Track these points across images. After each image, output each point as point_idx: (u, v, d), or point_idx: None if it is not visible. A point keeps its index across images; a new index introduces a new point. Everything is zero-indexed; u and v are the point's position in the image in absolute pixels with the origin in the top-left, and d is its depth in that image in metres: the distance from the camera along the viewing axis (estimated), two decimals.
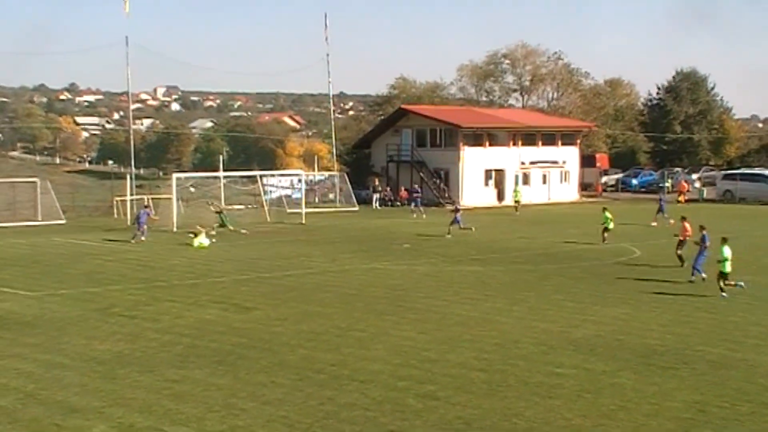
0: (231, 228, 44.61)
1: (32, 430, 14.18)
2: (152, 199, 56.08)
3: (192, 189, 48.17)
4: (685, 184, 70.14)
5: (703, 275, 28.40)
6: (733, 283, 26.21)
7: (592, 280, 29.26)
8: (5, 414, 14.93)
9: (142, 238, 40.72)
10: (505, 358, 18.73)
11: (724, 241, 26.44)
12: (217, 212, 46.80)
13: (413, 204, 57.16)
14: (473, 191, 66.48)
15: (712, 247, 28.05)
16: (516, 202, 58.64)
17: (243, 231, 44.54)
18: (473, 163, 66.97)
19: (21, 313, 23.91)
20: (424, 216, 53.55)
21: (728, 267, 26.10)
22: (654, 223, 48.51)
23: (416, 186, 61.33)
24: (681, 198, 66.74)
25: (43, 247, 39.25)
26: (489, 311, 24.10)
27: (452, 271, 31.95)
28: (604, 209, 41.52)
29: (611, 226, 39.83)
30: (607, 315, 23.55)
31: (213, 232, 42.34)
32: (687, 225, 31.97)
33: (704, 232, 29.16)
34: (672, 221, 44.39)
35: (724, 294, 25.89)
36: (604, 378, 17.25)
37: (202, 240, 39.55)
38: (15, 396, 15.93)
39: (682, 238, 32.01)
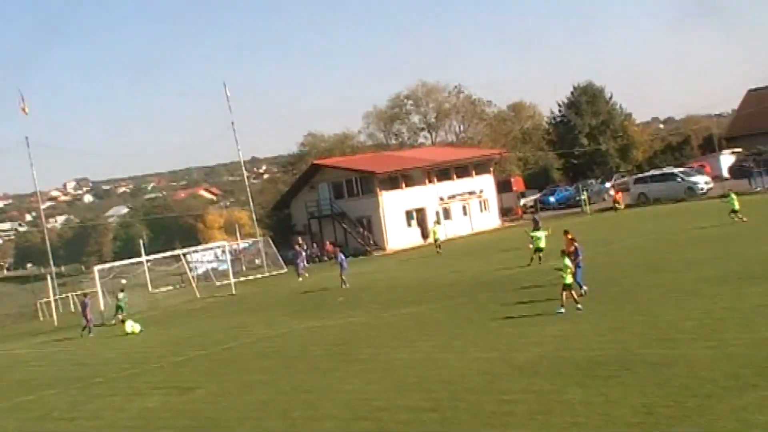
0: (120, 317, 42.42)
1: None
2: (77, 295, 55.11)
3: (123, 281, 47.25)
4: (618, 192, 70.95)
5: (584, 288, 28.88)
6: (574, 298, 26.73)
7: (527, 303, 29.58)
8: None
9: (90, 335, 40.06)
10: (454, 394, 18.77)
11: (563, 253, 27.37)
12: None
13: (298, 266, 54.90)
14: (397, 234, 66.90)
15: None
16: (435, 240, 57.01)
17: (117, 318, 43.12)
18: (393, 206, 67.46)
19: None
20: (306, 275, 52.72)
21: (569, 278, 26.77)
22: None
23: (297, 246, 58.11)
24: (619, 205, 67.49)
25: None
26: (431, 350, 24.15)
27: (389, 317, 31.97)
28: (534, 228, 41.83)
29: (542, 245, 40.27)
30: (547, 334, 23.80)
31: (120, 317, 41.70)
32: (570, 236, 32.11)
33: (576, 243, 29.84)
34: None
35: (561, 310, 26.42)
36: (552, 397, 17.40)
37: (133, 325, 38.96)
38: None
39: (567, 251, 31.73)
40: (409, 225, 68.60)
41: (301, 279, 51.89)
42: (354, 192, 69.17)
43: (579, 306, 26.48)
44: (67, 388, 27.62)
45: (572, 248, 30.19)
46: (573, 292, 26.82)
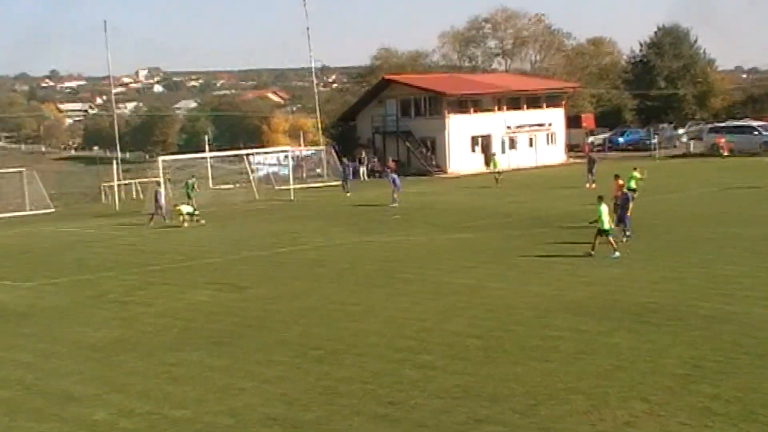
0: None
1: (33, 420, 14.21)
2: (140, 183, 56.03)
3: (194, 181, 47.14)
4: (721, 138, 67.72)
5: (629, 233, 28.66)
6: (614, 246, 26.38)
7: (584, 242, 29.28)
8: (6, 405, 14.96)
9: (166, 221, 40.76)
10: (500, 324, 18.83)
11: (600, 200, 26.85)
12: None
13: (343, 179, 54.40)
14: (460, 158, 66.48)
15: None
16: (497, 172, 54.12)
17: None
18: (459, 130, 66.90)
19: (15, 304, 23.90)
20: (348, 194, 51.37)
21: (606, 224, 26.47)
22: (589, 185, 46.46)
23: (345, 160, 58.63)
24: (722, 151, 64.85)
25: (34, 237, 39.16)
26: (482, 278, 24.18)
27: (444, 240, 32.01)
28: (634, 169, 39.76)
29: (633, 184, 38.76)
30: (601, 275, 23.66)
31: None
32: (620, 182, 31.49)
33: (624, 190, 29.42)
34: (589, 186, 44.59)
35: (592, 252, 26.26)
36: (599, 338, 17.36)
37: (185, 209, 39.85)
38: (15, 387, 15.96)
39: (615, 196, 30.72)
40: (473, 151, 68.06)
41: (349, 194, 51.58)
42: (421, 111, 68.68)
43: (592, 252, 26.28)
44: (124, 272, 28.27)
45: (619, 194, 29.80)
46: (611, 239, 26.47)
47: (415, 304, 21.26)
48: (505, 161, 61.85)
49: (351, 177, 55.69)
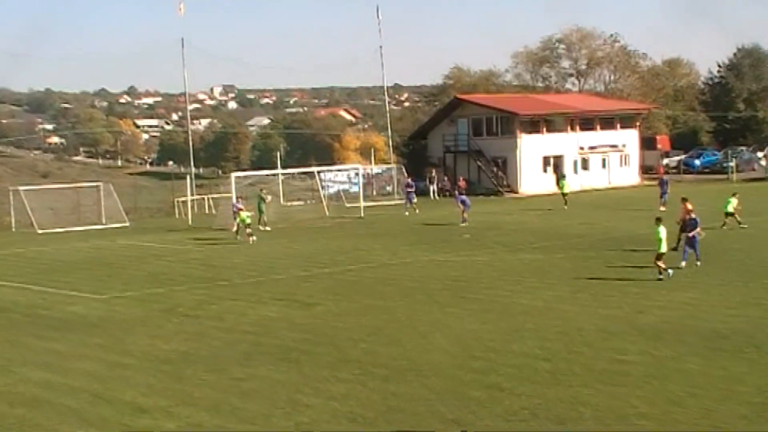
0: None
1: (101, 430, 14.39)
2: (213, 198, 56.76)
3: (267, 196, 47.43)
4: None
5: (698, 263, 27.78)
6: (663, 266, 25.87)
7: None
8: (74, 414, 15.18)
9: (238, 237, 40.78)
10: (569, 347, 18.53)
11: (658, 221, 26.16)
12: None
13: (407, 200, 53.83)
14: (532, 178, 66.04)
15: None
16: (563, 195, 52.36)
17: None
18: (531, 150, 66.50)
19: (88, 315, 24.33)
20: (417, 212, 51.45)
21: (663, 247, 25.87)
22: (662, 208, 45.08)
23: (409, 180, 57.29)
24: None
25: (108, 250, 39.90)
26: (551, 299, 23.87)
27: (513, 260, 31.72)
28: (734, 194, 38.82)
29: (729, 209, 38.02)
30: (674, 300, 23.16)
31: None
32: (688, 206, 30.75)
33: (693, 214, 28.70)
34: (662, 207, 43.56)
35: (661, 276, 25.71)
36: (670, 364, 16.96)
37: (246, 214, 40.25)
38: (84, 396, 16.19)
39: (681, 219, 30.16)
40: (545, 171, 67.55)
41: (407, 213, 51.32)
42: (493, 131, 68.47)
43: (661, 276, 25.71)
44: (194, 286, 28.60)
45: (687, 218, 29.08)
46: (661, 263, 25.87)
47: (482, 324, 21.07)
48: (577, 182, 61.15)
49: (412, 197, 54.12)
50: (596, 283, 25.90)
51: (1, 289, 29.51)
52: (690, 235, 28.25)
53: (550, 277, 27.58)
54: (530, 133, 66.93)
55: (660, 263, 25.92)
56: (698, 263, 27.80)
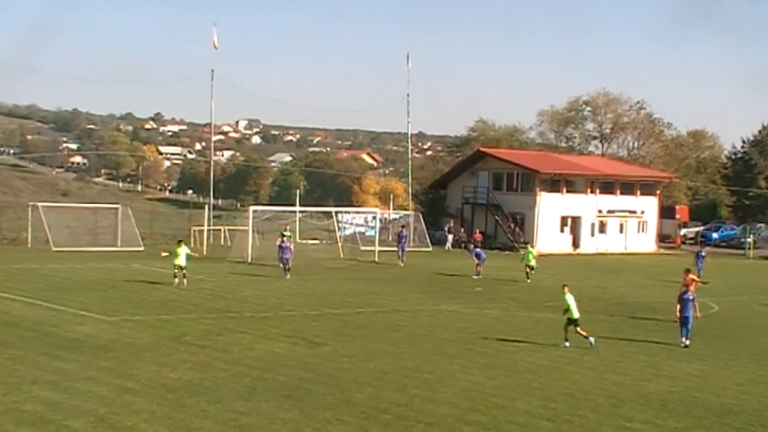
0: None
1: None
2: (229, 230, 56.87)
3: (289, 233, 45.32)
4: None
5: (686, 342, 26.66)
6: (584, 334, 25.63)
7: (667, 334, 28.56)
8: None
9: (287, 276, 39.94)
10: (574, 409, 18.42)
11: (564, 288, 26.16)
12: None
13: (399, 249, 51.19)
14: (548, 237, 65.92)
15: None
16: (528, 267, 43.91)
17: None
18: (549, 208, 66.48)
19: (97, 336, 24.38)
20: (401, 264, 49.47)
21: (575, 314, 25.66)
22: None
23: (403, 230, 54.05)
24: None
25: (121, 273, 40.03)
26: (559, 359, 23.77)
27: (523, 317, 31.64)
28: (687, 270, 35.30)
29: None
30: (682, 371, 23.02)
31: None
32: (691, 277, 30.18)
33: (692, 288, 28.53)
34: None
35: (567, 344, 25.44)
36: None
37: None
38: (87, 419, 16.19)
39: (684, 286, 29.42)
40: (562, 231, 67.51)
41: (402, 264, 49.55)
42: (513, 186, 68.58)
43: (567, 344, 25.42)
44: (203, 316, 28.65)
45: (688, 287, 28.63)
46: (578, 328, 25.62)
47: (489, 379, 20.98)
48: (593, 245, 60.91)
49: (405, 247, 52.12)
50: (605, 348, 25.76)
51: (12, 304, 29.64)
52: (679, 314, 26.96)
53: (558, 336, 27.44)
54: (550, 191, 66.97)
55: (579, 330, 25.61)
56: (685, 342, 26.67)
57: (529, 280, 42.77)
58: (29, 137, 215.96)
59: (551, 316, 31.97)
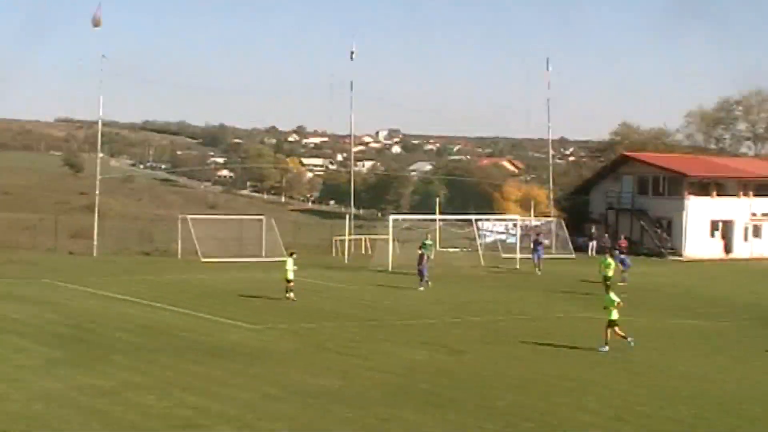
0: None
1: None
2: (370, 239, 57.44)
3: (430, 242, 44.40)
4: None
5: None
6: (622, 334, 24.76)
7: None
8: None
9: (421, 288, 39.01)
10: (728, 419, 17.63)
11: (608, 288, 25.22)
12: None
13: (536, 256, 48.98)
14: (697, 242, 63.69)
15: None
16: (606, 277, 38.30)
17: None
18: (698, 212, 64.23)
19: (245, 345, 24.94)
20: (539, 272, 47.69)
21: (615, 314, 24.77)
22: None
23: (539, 236, 51.91)
24: None
25: (265, 282, 40.84)
26: (710, 368, 22.87)
27: (672, 325, 30.61)
28: None
29: None
30: None
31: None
32: None
33: None
34: None
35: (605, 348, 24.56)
36: None
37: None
38: (234, 424, 16.53)
39: None
40: (712, 236, 65.10)
41: (539, 272, 48.17)
42: (659, 190, 66.63)
43: (605, 348, 24.62)
44: (344, 324, 28.93)
45: None
46: (617, 329, 24.82)
47: (636, 387, 20.36)
48: (747, 249, 58.47)
49: (541, 254, 50.28)
50: (759, 356, 24.63)
51: (163, 314, 30.69)
52: None
53: (709, 344, 26.47)
54: (699, 195, 64.74)
55: (609, 332, 24.84)
56: None
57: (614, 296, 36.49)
58: (179, 153, 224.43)
59: (704, 323, 30.88)
